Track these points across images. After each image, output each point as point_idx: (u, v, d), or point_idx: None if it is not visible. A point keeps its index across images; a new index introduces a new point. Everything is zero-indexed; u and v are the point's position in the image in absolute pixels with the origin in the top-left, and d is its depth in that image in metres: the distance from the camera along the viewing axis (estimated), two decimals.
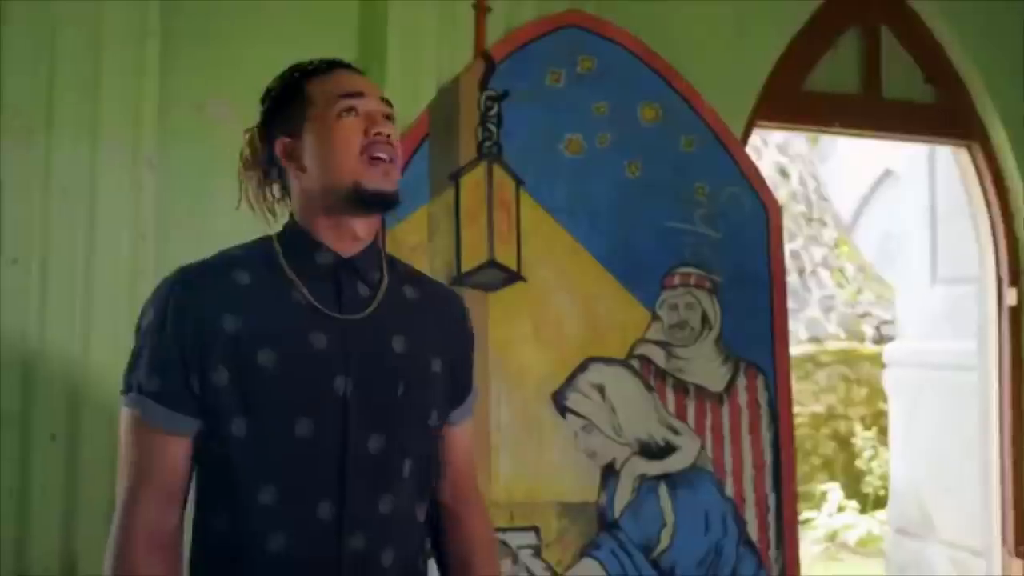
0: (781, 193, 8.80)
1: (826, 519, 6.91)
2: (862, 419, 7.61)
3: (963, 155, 3.76)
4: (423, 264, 2.40)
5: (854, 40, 3.49)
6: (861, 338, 8.11)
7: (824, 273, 8.47)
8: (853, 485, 7.32)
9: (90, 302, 2.24)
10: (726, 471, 2.51)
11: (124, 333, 1.47)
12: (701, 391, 2.53)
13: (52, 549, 2.18)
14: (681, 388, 2.52)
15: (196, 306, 1.22)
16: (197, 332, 1.21)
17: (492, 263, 2.44)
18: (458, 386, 1.41)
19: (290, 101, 1.32)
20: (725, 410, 2.53)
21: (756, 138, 9.14)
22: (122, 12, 2.31)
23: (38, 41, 2.27)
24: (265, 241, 1.31)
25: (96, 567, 2.08)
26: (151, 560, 1.19)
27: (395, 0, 2.57)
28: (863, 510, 6.96)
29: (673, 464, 2.48)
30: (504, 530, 2.36)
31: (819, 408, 7.68)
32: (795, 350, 7.76)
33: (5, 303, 2.20)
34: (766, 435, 2.55)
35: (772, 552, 2.52)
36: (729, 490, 2.51)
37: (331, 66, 1.34)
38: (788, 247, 8.46)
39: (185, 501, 1.25)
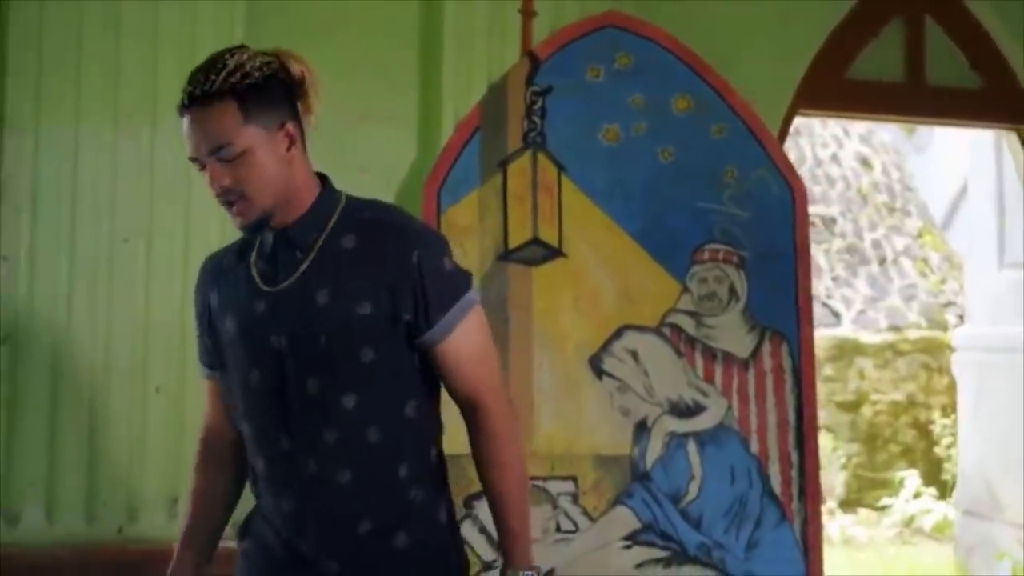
0: (863, 183, 8.81)
1: (903, 505, 6.96)
2: (943, 408, 7.59)
3: (1012, 139, 3.87)
4: (474, 242, 2.71)
5: (898, 30, 3.64)
6: (944, 327, 8.07)
7: (907, 262, 8.45)
8: (933, 473, 7.33)
9: (187, 275, 2.59)
10: (751, 430, 2.73)
11: None
12: (728, 356, 2.76)
13: (161, 483, 2.58)
14: (709, 354, 2.75)
15: (201, 286, 1.66)
16: (202, 307, 1.64)
17: (536, 241, 2.72)
18: (405, 319, 1.51)
19: None
20: (751, 374, 2.76)
21: (838, 128, 9.20)
22: (212, 25, 2.68)
23: (144, 52, 2.65)
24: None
25: None
26: (202, 465, 1.69)
27: (450, 4, 2.87)
28: (941, 497, 6.97)
29: (701, 423, 2.72)
30: (545, 479, 2.63)
31: (899, 396, 7.70)
32: (874, 338, 7.79)
33: (118, 276, 2.59)
34: (789, 397, 2.76)
35: (795, 505, 2.73)
36: (754, 447, 2.73)
37: (181, 110, 1.49)
38: (869, 236, 8.50)
39: (232, 429, 1.64)
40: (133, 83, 2.65)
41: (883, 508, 7.03)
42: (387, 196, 2.93)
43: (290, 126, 1.49)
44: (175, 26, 2.68)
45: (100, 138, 2.62)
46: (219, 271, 1.62)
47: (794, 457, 2.74)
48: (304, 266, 1.50)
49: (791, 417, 2.75)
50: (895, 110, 3.67)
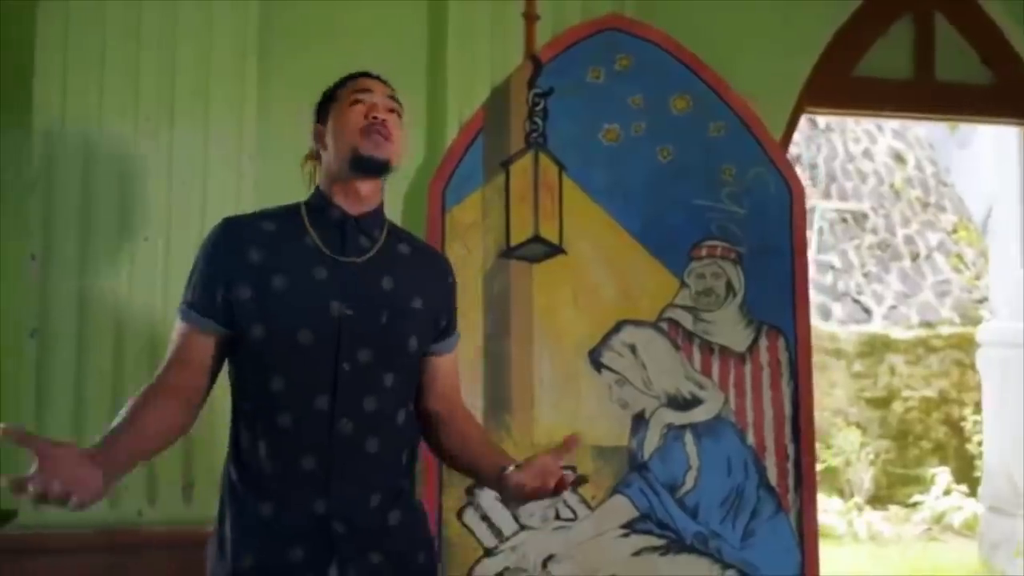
0: (896, 178, 8.75)
1: (933, 501, 6.93)
2: (975, 404, 7.53)
3: None
4: (477, 239, 2.80)
5: (907, 27, 3.66)
6: (978, 323, 8.00)
7: (940, 258, 8.38)
8: (965, 470, 7.29)
9: None
10: (748, 422, 2.79)
11: None
12: (725, 351, 2.82)
13: (177, 469, 2.72)
14: (707, 348, 2.82)
15: (230, 242, 1.67)
16: (228, 259, 1.65)
17: (537, 238, 2.80)
18: (440, 326, 1.79)
19: (326, 102, 1.78)
20: (747, 368, 2.82)
21: (871, 124, 9.13)
22: (228, 26, 2.80)
23: (163, 57, 2.78)
24: (296, 204, 1.75)
25: (207, 483, 2.60)
26: (157, 396, 1.63)
27: (454, 8, 2.97)
28: (972, 493, 6.93)
29: (698, 415, 2.79)
30: None
31: (931, 393, 7.65)
32: (906, 334, 7.76)
33: (138, 272, 2.73)
34: (786, 390, 2.81)
35: (791, 495, 2.78)
36: (750, 439, 2.79)
37: (360, 75, 1.78)
38: (901, 232, 8.45)
39: (200, 385, 1.67)
40: (152, 84, 2.77)
41: (914, 505, 7.01)
42: (396, 196, 3.04)
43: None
44: (192, 28, 2.80)
45: (121, 139, 2.75)
46: (257, 233, 1.68)
47: (790, 449, 2.80)
48: (371, 252, 1.69)
49: (787, 410, 2.80)
50: (904, 107, 3.69)
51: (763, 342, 2.83)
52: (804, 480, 2.80)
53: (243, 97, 2.81)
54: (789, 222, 2.88)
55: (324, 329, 1.62)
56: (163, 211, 2.76)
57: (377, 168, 1.69)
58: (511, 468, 1.64)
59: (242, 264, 1.64)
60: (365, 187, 1.71)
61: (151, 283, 2.74)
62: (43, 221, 2.72)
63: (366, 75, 1.78)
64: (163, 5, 2.78)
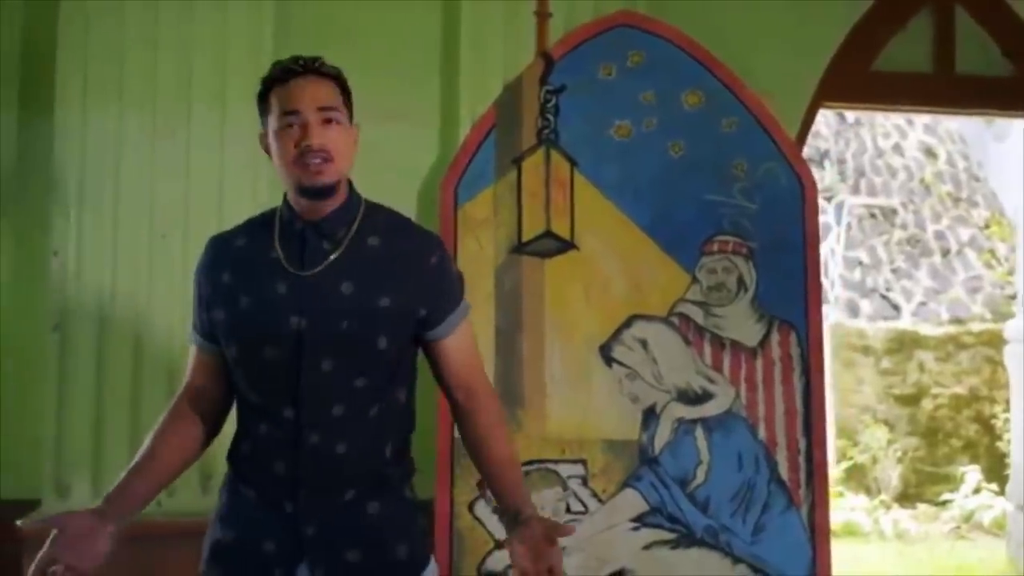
0: (926, 173, 8.66)
1: (962, 500, 6.87)
2: (1007, 402, 7.44)
3: None
4: (489, 235, 2.83)
5: (926, 20, 3.63)
6: (1009, 319, 7.90)
7: (971, 254, 8.29)
8: (996, 468, 7.21)
9: None
10: (759, 417, 2.80)
11: None
12: (736, 345, 2.83)
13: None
14: (718, 342, 2.83)
15: (208, 265, 1.74)
16: (207, 283, 1.73)
17: (548, 233, 2.82)
18: (420, 316, 1.72)
19: (262, 103, 1.69)
20: (759, 363, 2.82)
21: (901, 119, 9.01)
22: (244, 26, 2.85)
23: (180, 62, 2.84)
24: (274, 209, 1.75)
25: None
26: (174, 415, 1.74)
27: (467, 4, 3.00)
28: (1003, 492, 6.85)
29: (708, 409, 2.80)
30: (556, 462, 2.75)
31: (961, 390, 7.57)
32: (935, 331, 7.68)
33: (156, 268, 2.79)
34: (798, 385, 2.81)
35: (802, 490, 2.78)
36: (761, 434, 2.79)
37: (288, 74, 1.64)
38: (932, 227, 8.36)
39: (216, 398, 1.75)
40: (170, 83, 2.83)
41: (943, 503, 6.95)
42: (410, 193, 3.08)
43: (357, 129, 1.72)
44: (209, 29, 2.84)
45: (140, 140, 2.81)
46: (230, 253, 1.72)
47: (802, 444, 2.80)
48: (332, 257, 1.67)
49: (799, 405, 2.81)
50: (924, 101, 3.65)
51: (774, 337, 2.84)
52: (816, 475, 2.80)
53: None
54: (801, 217, 2.89)
55: (285, 344, 1.65)
56: (181, 209, 2.81)
57: (323, 193, 1.66)
58: (514, 532, 1.64)
59: (218, 286, 1.71)
60: (322, 202, 1.69)
61: (170, 279, 2.79)
62: (65, 220, 2.79)
63: (291, 74, 1.64)
64: (180, 6, 2.84)
